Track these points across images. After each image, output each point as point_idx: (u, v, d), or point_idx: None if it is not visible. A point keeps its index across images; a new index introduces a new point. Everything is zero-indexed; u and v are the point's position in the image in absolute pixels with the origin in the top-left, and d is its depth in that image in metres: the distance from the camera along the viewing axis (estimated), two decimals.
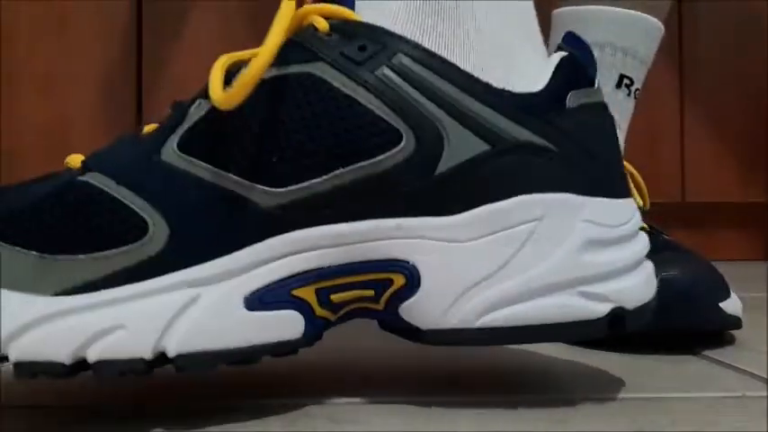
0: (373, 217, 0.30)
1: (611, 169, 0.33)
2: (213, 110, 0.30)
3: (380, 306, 0.31)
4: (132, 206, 0.29)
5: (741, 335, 0.46)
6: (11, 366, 0.27)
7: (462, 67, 0.31)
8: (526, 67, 0.32)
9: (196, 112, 0.30)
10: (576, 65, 0.33)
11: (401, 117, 0.30)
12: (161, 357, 0.28)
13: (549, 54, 0.34)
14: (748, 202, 1.28)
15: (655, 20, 0.53)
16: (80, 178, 0.30)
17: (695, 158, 1.26)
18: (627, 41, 0.52)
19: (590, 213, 0.31)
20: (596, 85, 0.33)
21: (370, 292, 0.30)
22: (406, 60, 0.30)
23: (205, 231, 0.29)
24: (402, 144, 0.30)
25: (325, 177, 0.29)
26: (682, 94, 1.26)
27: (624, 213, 0.32)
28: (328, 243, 0.29)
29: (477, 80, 0.31)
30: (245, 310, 0.29)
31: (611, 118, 0.34)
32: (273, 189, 0.29)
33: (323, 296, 0.30)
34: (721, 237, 1.29)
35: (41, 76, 1.19)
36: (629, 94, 0.53)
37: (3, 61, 1.18)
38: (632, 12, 0.52)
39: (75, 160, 0.31)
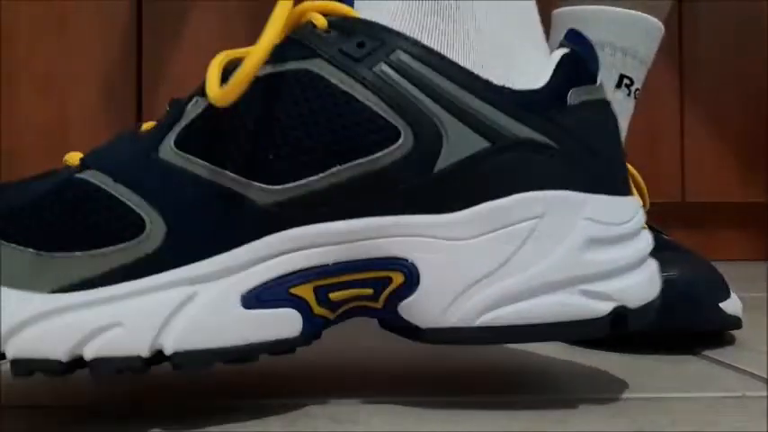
0: (371, 215, 0.30)
1: (613, 166, 0.32)
2: (210, 107, 0.30)
3: (380, 304, 0.30)
4: (129, 204, 0.29)
5: (741, 335, 0.46)
6: (7, 366, 0.27)
7: (462, 65, 0.31)
8: (527, 65, 0.32)
9: (193, 109, 0.30)
10: (578, 62, 0.33)
11: (399, 114, 0.30)
12: (158, 355, 0.28)
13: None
14: (748, 202, 1.28)
15: (655, 20, 0.53)
16: (78, 176, 0.30)
17: (695, 158, 1.26)
18: (627, 41, 0.52)
19: (591, 211, 0.30)
20: (598, 82, 0.33)
21: (369, 291, 0.30)
22: (405, 57, 0.30)
23: (202, 229, 0.29)
24: (400, 141, 0.29)
25: (322, 175, 0.29)
26: (682, 94, 1.26)
27: (627, 211, 0.32)
28: (326, 241, 0.29)
29: (476, 77, 0.31)
30: (242, 308, 0.28)
31: (614, 115, 0.34)
32: (270, 186, 0.29)
33: (321, 294, 0.30)
34: (721, 237, 1.29)
35: (41, 76, 1.19)
36: (629, 94, 0.53)
37: (3, 61, 1.18)
38: (632, 12, 0.52)
39: (74, 158, 0.31)
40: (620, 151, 0.33)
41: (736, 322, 0.44)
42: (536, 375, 0.38)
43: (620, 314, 0.30)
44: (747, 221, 1.30)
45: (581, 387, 0.35)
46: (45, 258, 0.28)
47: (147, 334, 0.27)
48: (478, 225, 0.30)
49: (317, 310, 0.30)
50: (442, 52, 0.31)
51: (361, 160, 0.29)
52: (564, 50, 0.33)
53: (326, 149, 0.29)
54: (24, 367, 0.27)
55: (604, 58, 0.52)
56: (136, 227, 0.28)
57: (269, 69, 0.30)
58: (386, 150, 0.29)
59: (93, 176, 0.29)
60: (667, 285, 0.40)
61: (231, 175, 0.29)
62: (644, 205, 0.49)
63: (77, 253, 0.28)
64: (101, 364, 0.27)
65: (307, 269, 0.29)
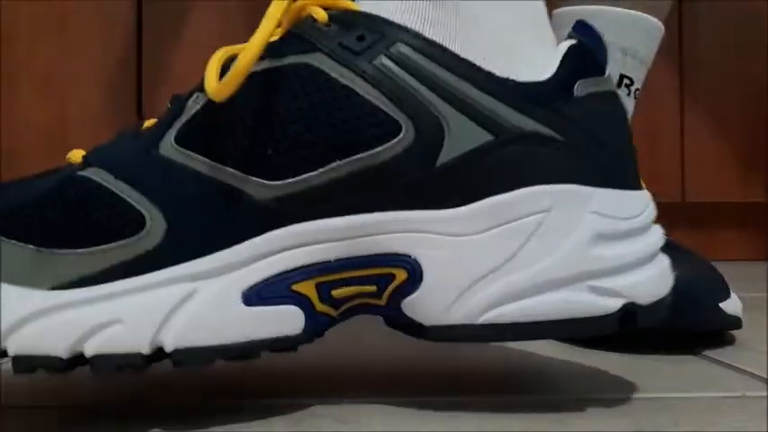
0: (372, 210, 0.29)
1: (622, 159, 0.32)
2: (210, 103, 0.30)
3: (383, 302, 0.30)
4: (130, 200, 0.29)
5: (741, 335, 0.46)
6: (8, 366, 0.27)
7: (464, 57, 0.30)
8: (533, 57, 0.32)
9: (193, 105, 0.30)
10: (586, 53, 0.32)
11: (400, 107, 0.29)
12: (159, 352, 0.28)
13: None
14: (748, 202, 1.28)
15: (655, 20, 0.53)
16: (80, 173, 0.30)
17: (695, 158, 1.26)
18: (627, 41, 0.52)
19: (599, 205, 0.30)
20: (607, 74, 0.32)
21: (372, 288, 0.30)
22: (406, 49, 0.30)
23: (202, 225, 0.29)
24: (401, 135, 0.29)
25: (321, 170, 0.29)
26: (682, 94, 1.26)
27: (636, 205, 0.31)
28: (327, 237, 0.29)
29: (478, 69, 0.30)
30: (243, 305, 0.28)
31: (622, 107, 0.33)
32: (270, 182, 0.29)
33: (323, 291, 0.30)
34: (721, 237, 1.29)
35: (41, 76, 1.19)
36: (628, 94, 0.53)
37: (3, 61, 1.18)
38: (632, 12, 0.52)
39: (77, 155, 0.31)
40: (630, 144, 0.33)
41: (736, 322, 0.44)
42: (536, 375, 0.38)
43: (629, 311, 0.30)
44: (747, 221, 1.30)
45: (581, 387, 0.35)
46: (45, 255, 0.28)
47: (148, 331, 0.27)
48: (482, 220, 0.29)
49: (320, 307, 0.30)
50: (443, 44, 0.30)
51: (361, 155, 0.29)
52: (571, 42, 0.32)
53: (326, 144, 0.29)
54: (25, 364, 0.27)
55: None
56: (136, 223, 0.28)
57: (269, 64, 0.30)
58: (387, 144, 0.29)
59: (95, 174, 0.29)
60: None
61: (230, 170, 0.29)
62: None
63: (78, 250, 0.28)
64: (101, 360, 0.27)
65: (308, 266, 0.29)
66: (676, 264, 0.43)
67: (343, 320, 0.31)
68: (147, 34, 1.20)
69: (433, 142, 0.29)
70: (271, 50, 0.30)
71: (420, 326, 0.30)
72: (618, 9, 0.52)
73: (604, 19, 0.52)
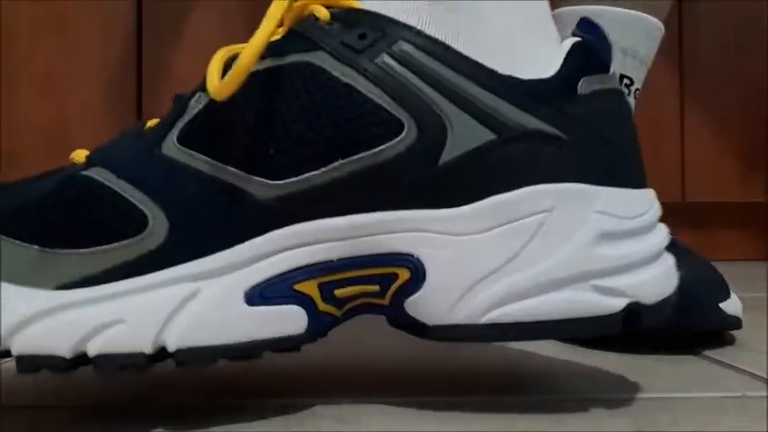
0: (375, 209, 0.29)
1: (626, 157, 0.31)
2: (212, 102, 0.30)
3: (386, 301, 0.30)
4: (132, 200, 0.29)
5: (741, 335, 0.46)
6: (11, 365, 0.27)
7: (466, 55, 0.30)
8: (536, 55, 0.31)
9: (196, 104, 0.30)
10: (590, 50, 0.32)
11: (402, 105, 0.29)
12: (161, 352, 0.28)
13: None
14: (748, 202, 1.28)
15: (655, 20, 0.53)
16: (83, 173, 0.30)
17: (695, 158, 1.26)
18: (627, 41, 0.52)
19: (603, 204, 0.30)
20: (611, 72, 0.32)
21: (376, 287, 0.30)
22: (408, 47, 0.30)
23: (204, 225, 0.29)
24: (403, 133, 0.29)
25: (324, 169, 0.29)
26: (682, 94, 1.26)
27: (641, 203, 0.31)
28: (329, 237, 0.29)
29: (481, 66, 0.30)
30: (245, 305, 0.28)
31: (627, 105, 0.33)
32: (271, 181, 0.29)
33: (326, 291, 0.30)
34: (721, 237, 1.29)
35: (41, 76, 1.19)
36: (629, 95, 0.53)
37: (3, 61, 1.18)
38: (632, 12, 0.52)
39: (80, 155, 0.31)
40: (635, 142, 0.32)
41: (736, 322, 0.44)
42: (536, 375, 0.38)
43: (633, 311, 0.29)
44: (747, 221, 1.30)
45: (581, 387, 0.35)
46: (49, 255, 0.28)
47: (150, 330, 0.27)
48: (485, 220, 0.29)
49: (322, 306, 0.30)
50: (446, 42, 0.30)
51: (363, 154, 0.29)
52: (575, 39, 0.32)
53: (328, 143, 0.29)
54: (29, 363, 0.27)
55: None
56: (139, 223, 0.28)
57: (271, 62, 0.30)
58: (389, 143, 0.29)
59: (98, 173, 0.29)
60: None
61: (233, 170, 0.29)
62: None
63: (81, 250, 0.28)
64: (104, 360, 0.27)
65: (311, 265, 0.29)
66: (677, 263, 0.43)
67: (346, 320, 0.31)
68: (147, 34, 1.20)
69: (435, 141, 0.29)
70: (272, 49, 0.30)
71: (423, 325, 0.30)
72: (618, 9, 0.52)
73: (604, 19, 0.52)
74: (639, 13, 0.52)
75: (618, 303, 0.29)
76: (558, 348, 0.42)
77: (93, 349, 0.27)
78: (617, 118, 0.32)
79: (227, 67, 0.30)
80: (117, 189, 0.29)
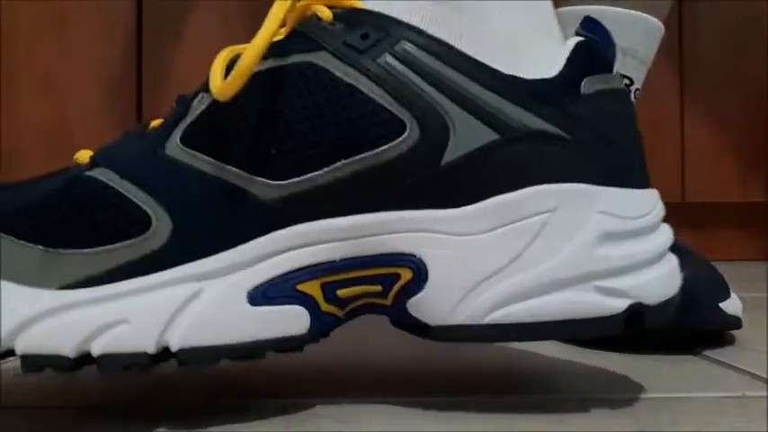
0: (377, 210, 0.29)
1: (630, 157, 0.31)
2: (215, 102, 0.30)
3: (389, 301, 0.30)
4: (136, 200, 0.29)
5: (741, 335, 0.46)
6: (12, 365, 0.27)
7: (469, 55, 0.30)
8: (539, 54, 0.31)
9: (198, 105, 0.30)
10: (593, 50, 0.32)
11: (404, 106, 0.29)
12: (164, 351, 0.28)
13: None
14: (748, 202, 1.28)
15: (655, 20, 0.53)
16: (87, 173, 0.30)
17: (695, 158, 1.26)
18: (627, 41, 0.52)
19: (606, 204, 0.30)
20: (615, 71, 0.32)
21: (378, 288, 0.30)
22: (410, 47, 0.30)
23: (208, 225, 0.29)
24: (406, 134, 0.29)
25: (326, 169, 0.29)
26: (682, 94, 1.26)
27: (644, 204, 0.31)
28: (332, 237, 0.29)
29: (483, 66, 0.30)
30: (248, 305, 0.28)
31: (631, 104, 0.32)
32: (274, 182, 0.29)
33: (329, 291, 0.30)
34: (721, 237, 1.29)
35: (41, 76, 1.19)
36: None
37: (3, 61, 1.18)
38: (632, 12, 0.52)
39: (85, 156, 0.31)
40: (639, 142, 0.32)
41: (736, 322, 0.44)
42: (536, 375, 0.38)
43: (636, 311, 0.29)
44: (747, 221, 1.30)
45: (581, 387, 0.35)
46: (53, 255, 0.28)
47: (154, 330, 0.27)
48: (488, 220, 0.29)
49: (325, 307, 0.30)
50: (449, 42, 0.30)
51: (365, 154, 0.29)
52: (578, 39, 0.32)
53: (331, 143, 0.29)
54: (33, 363, 0.27)
55: None
56: (142, 223, 0.28)
57: (273, 63, 0.30)
58: (391, 143, 0.29)
59: (101, 174, 0.30)
60: None
61: (235, 170, 0.29)
62: None
63: (85, 250, 0.28)
64: (108, 360, 0.27)
65: (313, 265, 0.29)
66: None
67: (349, 320, 0.31)
68: (147, 34, 1.20)
69: (437, 141, 0.29)
70: (275, 49, 0.30)
71: (425, 326, 0.30)
72: (618, 9, 0.52)
73: (604, 19, 0.52)
74: (639, 13, 0.52)
75: (620, 304, 0.29)
76: (558, 348, 0.42)
77: (96, 349, 0.27)
78: (620, 118, 0.32)
79: (229, 67, 0.30)
80: (120, 189, 0.29)
